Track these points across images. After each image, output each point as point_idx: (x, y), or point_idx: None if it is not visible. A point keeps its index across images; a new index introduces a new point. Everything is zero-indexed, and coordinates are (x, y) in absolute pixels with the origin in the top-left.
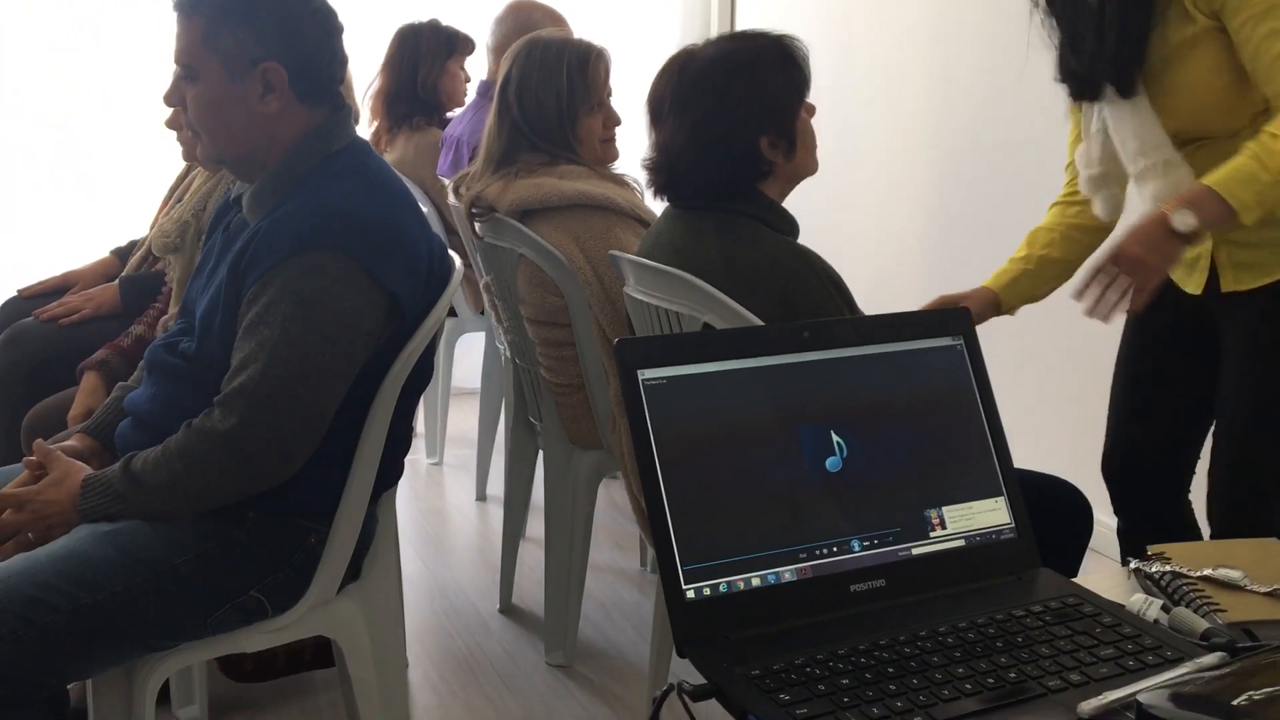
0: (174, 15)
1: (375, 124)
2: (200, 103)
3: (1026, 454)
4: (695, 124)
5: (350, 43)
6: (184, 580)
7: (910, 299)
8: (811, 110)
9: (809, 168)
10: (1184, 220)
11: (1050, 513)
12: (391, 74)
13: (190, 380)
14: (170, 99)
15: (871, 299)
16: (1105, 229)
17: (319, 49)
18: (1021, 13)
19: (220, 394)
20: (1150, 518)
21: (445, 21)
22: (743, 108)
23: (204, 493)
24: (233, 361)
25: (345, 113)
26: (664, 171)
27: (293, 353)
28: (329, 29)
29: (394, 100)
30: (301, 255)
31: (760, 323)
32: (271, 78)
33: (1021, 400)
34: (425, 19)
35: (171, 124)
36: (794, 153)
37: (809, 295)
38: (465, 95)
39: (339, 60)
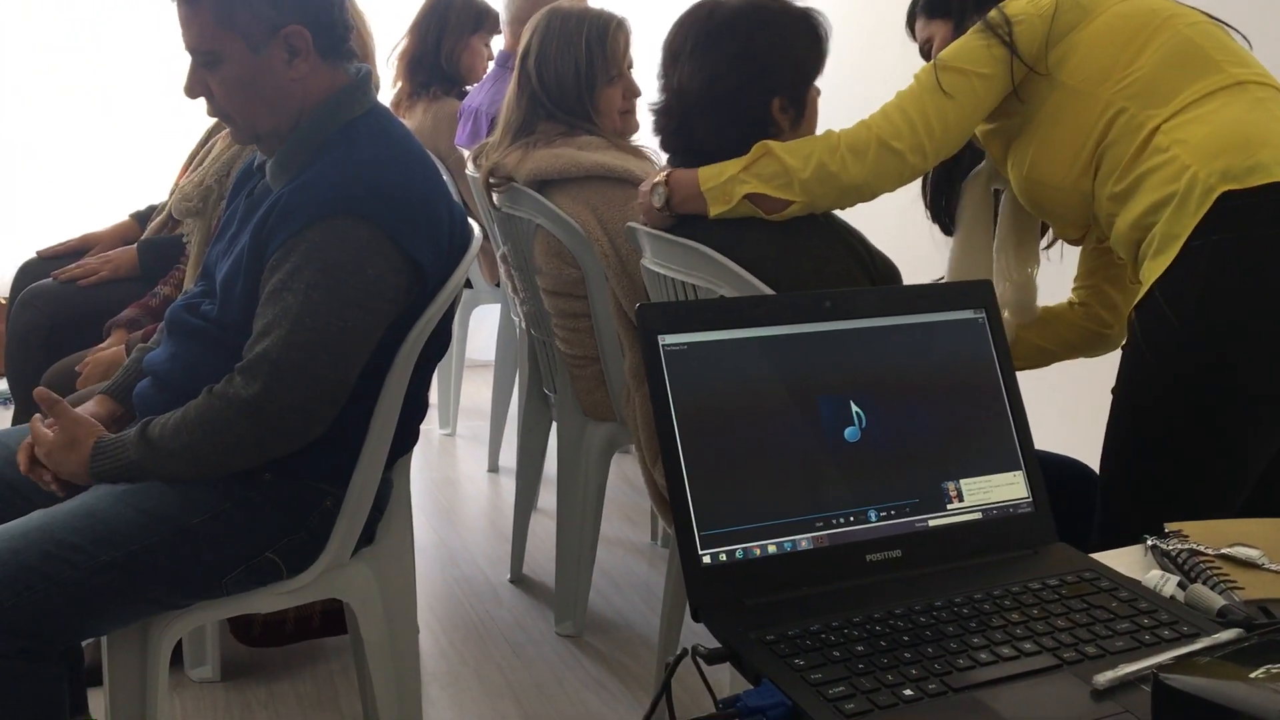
0: (174, 8)
1: (399, 85)
2: (229, 84)
3: (1036, 435)
4: (715, 70)
5: (380, 3)
6: (200, 540)
7: (933, 272)
8: (818, 91)
9: None
10: (659, 195)
11: (1061, 492)
12: (417, 38)
13: (211, 341)
14: (192, 91)
15: None
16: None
17: (330, 0)
18: None
19: (242, 360)
20: None
21: None
22: (764, 61)
23: (223, 458)
24: (255, 327)
25: (366, 76)
26: (674, 116)
27: (316, 320)
28: None
29: (415, 66)
30: (326, 222)
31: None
32: (295, 41)
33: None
34: None
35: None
36: (800, 122)
37: (814, 253)
38: (485, 72)
39: (348, 9)
